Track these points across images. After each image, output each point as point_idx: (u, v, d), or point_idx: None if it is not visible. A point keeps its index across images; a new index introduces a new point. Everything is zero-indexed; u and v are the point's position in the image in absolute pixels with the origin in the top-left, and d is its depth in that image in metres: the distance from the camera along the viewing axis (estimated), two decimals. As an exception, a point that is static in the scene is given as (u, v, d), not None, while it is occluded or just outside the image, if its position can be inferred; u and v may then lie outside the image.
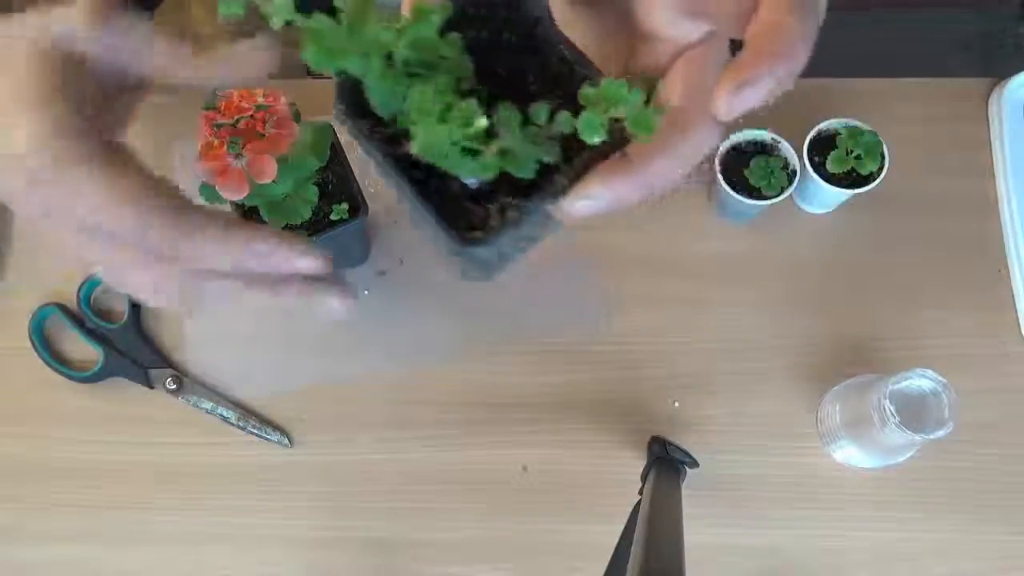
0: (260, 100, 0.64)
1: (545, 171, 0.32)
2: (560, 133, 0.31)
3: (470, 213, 0.33)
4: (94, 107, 0.35)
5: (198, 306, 0.36)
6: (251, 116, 0.63)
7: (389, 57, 0.30)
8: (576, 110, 0.32)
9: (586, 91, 0.31)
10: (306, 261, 0.35)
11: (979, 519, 0.78)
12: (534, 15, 0.35)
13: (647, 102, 0.30)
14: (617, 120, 0.30)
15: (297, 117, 0.66)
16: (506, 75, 0.35)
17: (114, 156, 0.34)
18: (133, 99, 0.38)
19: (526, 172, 0.31)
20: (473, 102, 0.30)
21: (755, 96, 0.30)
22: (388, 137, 0.33)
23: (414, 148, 0.30)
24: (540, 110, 0.32)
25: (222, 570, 0.79)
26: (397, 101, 0.31)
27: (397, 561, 0.79)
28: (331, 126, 0.71)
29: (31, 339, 0.82)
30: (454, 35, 0.31)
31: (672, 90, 0.34)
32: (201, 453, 0.81)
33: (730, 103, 0.30)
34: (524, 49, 0.35)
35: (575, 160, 0.32)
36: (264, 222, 0.58)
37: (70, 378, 0.82)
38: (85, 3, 0.34)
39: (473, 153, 0.30)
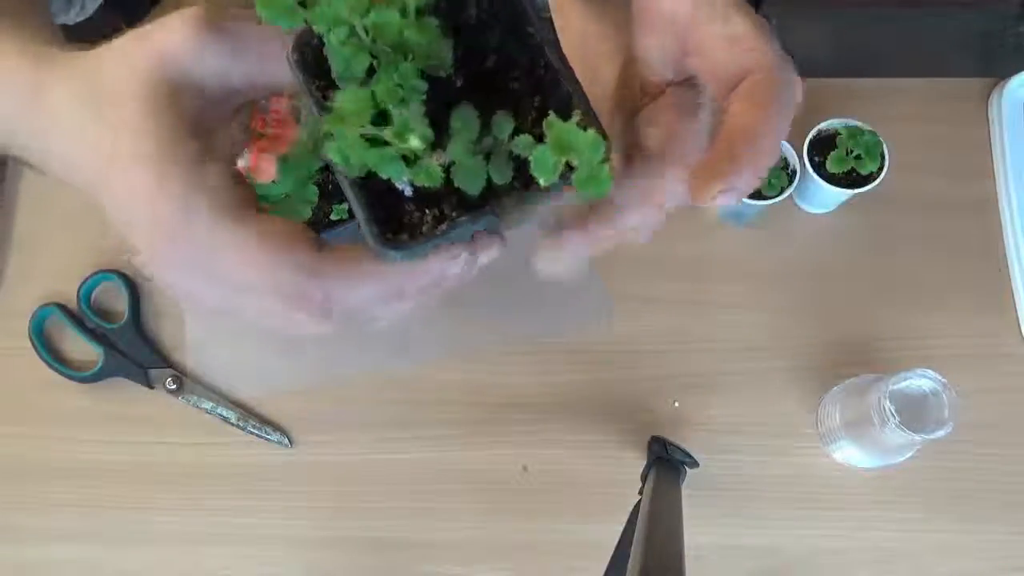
0: (260, 100, 0.64)
1: (491, 189, 0.30)
2: (516, 154, 0.30)
3: (404, 213, 0.32)
4: (216, 139, 0.33)
5: (371, 327, 0.34)
6: (252, 116, 0.63)
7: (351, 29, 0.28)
8: (541, 132, 0.30)
9: (551, 122, 0.29)
10: (475, 259, 0.33)
11: (979, 519, 0.78)
12: (533, 6, 0.33)
13: (603, 160, 0.28)
14: (569, 167, 0.28)
15: (297, 117, 0.66)
16: (491, 64, 0.33)
17: (248, 200, 0.32)
18: (242, 114, 0.36)
19: (471, 188, 0.30)
20: (410, 114, 0.28)
21: (731, 199, 0.32)
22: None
23: (328, 151, 0.28)
24: (503, 123, 0.30)
25: (222, 570, 0.79)
26: (356, 71, 0.29)
27: (397, 561, 0.79)
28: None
29: (31, 339, 0.82)
30: (430, 20, 0.29)
31: (651, 133, 0.34)
32: (201, 453, 0.81)
33: (706, 202, 0.32)
34: (515, 41, 0.33)
35: (530, 194, 0.31)
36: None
37: (70, 378, 0.82)
38: (190, 17, 0.31)
39: (410, 160, 0.29)
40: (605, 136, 0.29)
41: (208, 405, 0.82)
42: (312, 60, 0.31)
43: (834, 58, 1.72)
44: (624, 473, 0.78)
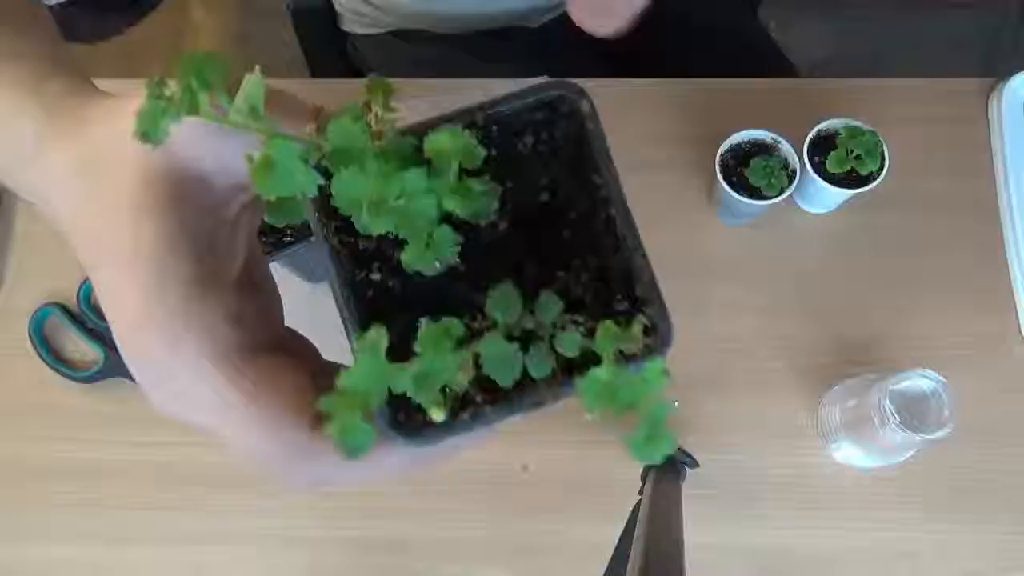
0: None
1: (524, 380, 0.26)
2: (557, 346, 0.26)
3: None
4: (218, 251, 0.29)
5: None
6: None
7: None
8: (597, 311, 0.27)
9: (608, 329, 0.25)
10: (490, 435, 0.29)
11: (979, 519, 0.78)
12: (604, 153, 0.29)
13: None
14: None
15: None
16: (542, 200, 0.29)
17: (243, 345, 0.28)
18: (248, 215, 0.31)
19: (502, 380, 0.26)
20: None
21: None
22: (355, 253, 0.28)
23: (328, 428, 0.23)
24: (549, 306, 0.27)
25: (222, 570, 0.79)
26: (382, 226, 0.25)
27: (397, 561, 0.79)
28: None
29: (31, 339, 0.82)
30: (476, 182, 0.26)
31: None
32: (201, 453, 0.81)
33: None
34: (575, 184, 0.29)
35: (568, 389, 0.27)
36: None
37: (70, 378, 0.82)
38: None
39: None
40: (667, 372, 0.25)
41: (208, 405, 0.81)
42: (330, 197, 0.27)
43: (834, 58, 1.72)
44: (624, 473, 0.78)
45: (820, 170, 0.80)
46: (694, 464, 0.76)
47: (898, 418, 0.66)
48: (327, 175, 0.25)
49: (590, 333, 0.26)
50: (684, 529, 0.61)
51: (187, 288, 0.27)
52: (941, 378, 0.67)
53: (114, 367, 0.82)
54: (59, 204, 0.29)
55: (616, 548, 0.65)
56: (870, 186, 0.79)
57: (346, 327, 0.28)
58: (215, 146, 0.27)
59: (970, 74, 0.91)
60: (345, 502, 0.80)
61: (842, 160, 0.79)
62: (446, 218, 0.26)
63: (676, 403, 0.81)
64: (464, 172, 0.26)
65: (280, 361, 0.29)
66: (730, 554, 0.78)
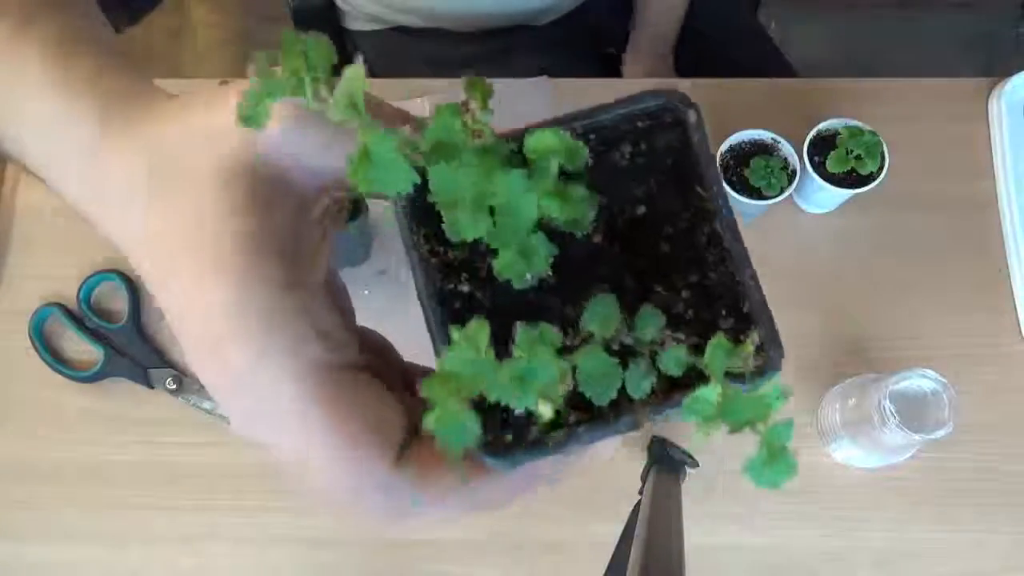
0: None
1: (619, 399, 0.25)
2: (658, 362, 0.25)
3: (510, 410, 0.25)
4: (302, 257, 0.26)
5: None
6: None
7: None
8: (696, 327, 0.26)
9: (719, 345, 0.24)
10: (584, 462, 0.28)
11: (979, 519, 0.78)
12: (710, 163, 0.28)
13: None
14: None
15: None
16: (639, 213, 0.28)
17: (331, 362, 0.26)
18: (329, 220, 0.29)
19: (599, 398, 0.25)
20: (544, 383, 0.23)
21: None
22: (445, 263, 0.27)
23: (425, 421, 0.22)
24: (649, 321, 0.25)
25: (222, 570, 0.79)
26: (476, 231, 0.24)
27: (397, 561, 0.79)
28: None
29: (31, 339, 0.82)
30: (577, 187, 0.24)
31: None
32: (201, 453, 0.81)
33: None
34: (676, 197, 0.28)
35: (670, 407, 0.26)
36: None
37: (70, 378, 0.82)
38: (288, 101, 0.24)
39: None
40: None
41: (208, 405, 0.82)
42: (421, 205, 0.26)
43: (834, 58, 1.72)
44: (624, 473, 0.78)
45: (820, 170, 0.80)
46: (694, 464, 0.76)
47: (898, 418, 0.66)
48: (422, 178, 0.23)
49: (693, 351, 0.25)
50: (684, 529, 0.61)
51: (274, 295, 0.25)
52: (941, 378, 0.67)
53: (114, 367, 0.82)
54: (122, 216, 0.27)
55: (616, 548, 0.65)
56: (870, 186, 0.79)
57: (433, 338, 0.26)
58: (298, 143, 0.26)
59: (970, 74, 0.91)
60: (345, 502, 0.80)
61: (842, 160, 0.79)
62: (541, 227, 0.25)
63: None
64: (564, 176, 0.25)
65: (365, 382, 0.27)
66: (730, 554, 0.78)
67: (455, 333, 0.23)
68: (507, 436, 0.25)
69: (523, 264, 0.25)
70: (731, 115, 0.84)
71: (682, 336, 0.26)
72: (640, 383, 0.25)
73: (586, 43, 1.10)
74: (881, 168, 0.79)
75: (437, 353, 0.26)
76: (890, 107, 0.88)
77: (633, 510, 0.68)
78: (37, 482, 0.81)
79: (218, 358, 0.25)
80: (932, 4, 1.76)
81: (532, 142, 0.24)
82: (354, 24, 1.10)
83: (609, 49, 1.14)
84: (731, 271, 0.27)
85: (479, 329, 0.23)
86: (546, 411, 0.23)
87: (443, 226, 0.24)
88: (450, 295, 0.26)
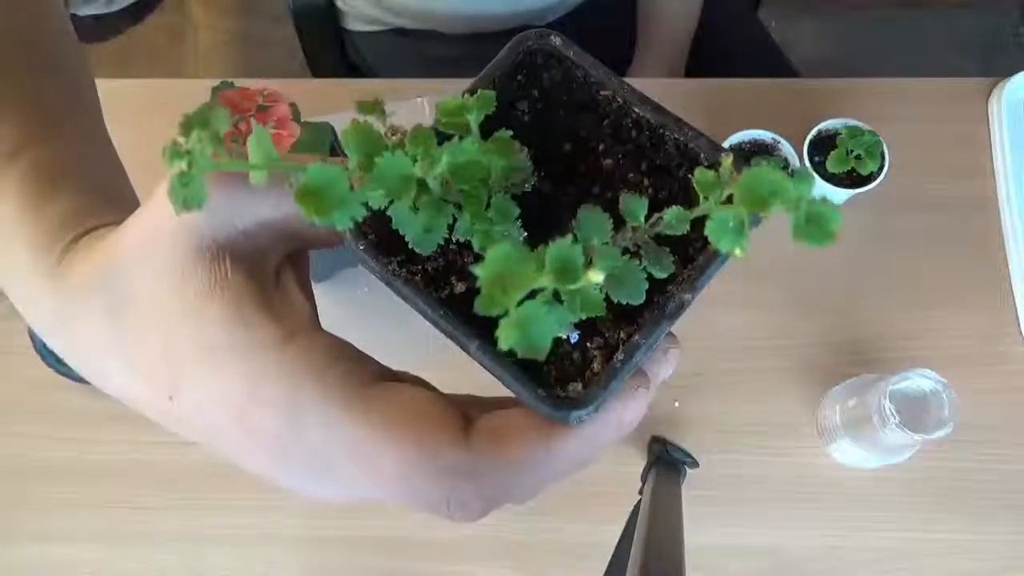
0: (260, 100, 0.64)
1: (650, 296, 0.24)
2: (665, 233, 0.24)
3: (562, 358, 0.25)
4: (291, 303, 0.27)
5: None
6: (251, 116, 0.63)
7: (420, 184, 0.23)
8: (675, 193, 0.26)
9: (703, 177, 0.23)
10: (655, 385, 0.27)
11: (979, 519, 0.78)
12: (593, 77, 0.28)
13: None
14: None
15: (297, 117, 0.66)
16: (569, 149, 0.28)
17: (361, 373, 0.26)
18: (301, 257, 0.29)
19: (635, 297, 0.24)
20: (570, 242, 0.21)
21: None
22: (429, 277, 0.26)
23: (504, 339, 0.19)
24: (634, 207, 0.25)
25: (222, 570, 0.79)
26: (437, 232, 0.24)
27: (397, 561, 0.79)
28: (331, 126, 0.71)
29: (31, 339, 0.82)
30: (502, 133, 0.25)
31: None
32: (200, 453, 0.81)
33: None
34: (588, 114, 0.28)
35: (691, 265, 0.25)
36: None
37: (70, 378, 0.82)
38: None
39: (560, 298, 0.21)
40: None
41: (208, 405, 0.81)
42: (382, 237, 0.25)
43: (834, 58, 1.72)
44: (624, 473, 0.78)
45: (820, 170, 0.80)
46: (694, 464, 0.76)
47: (898, 418, 0.66)
48: (370, 213, 0.23)
49: (684, 205, 0.25)
50: (684, 529, 0.61)
51: (280, 347, 0.25)
52: (941, 378, 0.67)
53: (114, 367, 0.82)
54: (100, 373, 0.28)
55: (616, 548, 0.65)
56: (870, 186, 0.79)
57: (460, 343, 0.26)
58: (227, 208, 0.25)
59: (970, 74, 0.91)
60: (345, 502, 0.80)
61: (842, 160, 0.79)
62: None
63: (676, 403, 0.81)
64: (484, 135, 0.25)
65: (397, 385, 0.26)
66: (730, 554, 0.78)
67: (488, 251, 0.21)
68: (576, 386, 0.24)
69: (500, 221, 0.24)
70: (731, 115, 0.84)
71: (664, 210, 0.26)
72: (661, 264, 0.25)
73: (588, 44, 1.10)
74: (881, 168, 0.79)
75: (466, 351, 0.26)
76: (890, 107, 0.88)
77: (633, 510, 0.68)
78: (37, 482, 0.81)
79: (255, 432, 0.25)
80: (932, 4, 1.76)
81: (442, 108, 0.24)
82: (354, 25, 1.10)
83: (613, 51, 1.14)
84: (672, 137, 0.27)
85: (506, 209, 0.23)
86: (597, 276, 0.21)
87: (409, 245, 0.24)
88: (449, 300, 0.26)
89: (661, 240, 0.25)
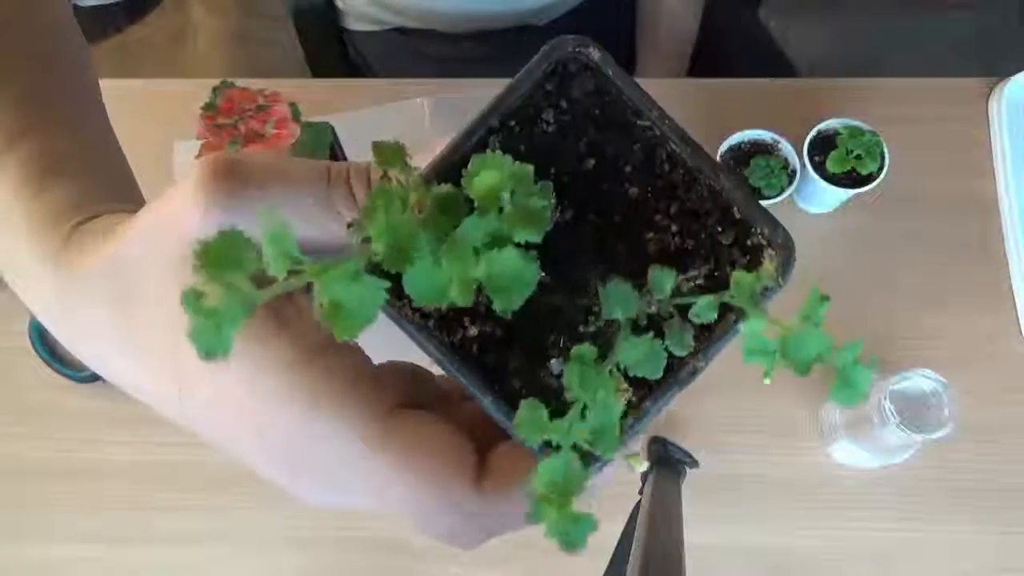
0: (260, 100, 0.64)
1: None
2: (687, 307, 0.24)
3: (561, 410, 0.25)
4: (303, 322, 0.26)
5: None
6: (251, 116, 0.63)
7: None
8: (702, 245, 0.25)
9: (742, 283, 0.23)
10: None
11: (979, 519, 0.78)
12: (630, 100, 0.27)
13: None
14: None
15: (297, 117, 0.66)
16: (590, 167, 0.27)
17: (376, 397, 0.26)
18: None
19: (653, 373, 0.25)
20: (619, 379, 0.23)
21: None
22: (441, 319, 0.26)
23: (553, 536, 0.22)
24: (662, 280, 0.25)
25: (222, 570, 0.79)
26: (441, 294, 0.23)
27: (396, 561, 0.79)
28: (331, 126, 0.71)
29: (31, 339, 0.82)
30: (537, 193, 0.23)
31: None
32: (201, 453, 0.81)
33: None
34: (618, 138, 0.27)
35: (706, 335, 0.25)
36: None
37: (70, 378, 0.82)
38: (202, 183, 0.25)
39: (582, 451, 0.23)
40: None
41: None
42: (393, 277, 0.24)
43: (834, 58, 1.72)
44: (624, 473, 0.78)
45: (820, 170, 0.80)
46: (694, 464, 0.76)
47: (898, 418, 0.66)
48: (382, 271, 0.22)
49: (709, 280, 0.25)
50: (684, 529, 0.61)
51: (298, 369, 0.25)
52: (941, 378, 0.67)
53: (114, 367, 0.82)
54: (100, 358, 0.27)
55: (616, 548, 0.65)
56: (870, 186, 0.79)
57: (475, 395, 0.26)
58: (247, 215, 0.25)
59: (970, 74, 0.91)
60: (345, 502, 0.80)
61: (842, 160, 0.79)
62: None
63: (676, 403, 0.81)
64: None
65: (421, 418, 0.26)
66: (730, 554, 0.78)
67: (520, 431, 0.23)
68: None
69: (517, 291, 0.23)
70: (731, 115, 0.84)
71: (695, 273, 0.26)
72: (681, 342, 0.25)
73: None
74: (881, 168, 0.79)
75: (484, 406, 0.26)
76: (890, 107, 0.88)
77: (633, 510, 0.68)
78: (37, 482, 0.81)
79: (269, 442, 0.25)
80: (932, 4, 1.75)
81: (477, 187, 0.23)
82: (354, 24, 1.10)
83: (613, 51, 1.14)
84: (706, 183, 0.27)
85: (536, 409, 0.22)
86: (639, 466, 0.24)
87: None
88: (463, 344, 0.26)
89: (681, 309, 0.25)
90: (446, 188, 0.23)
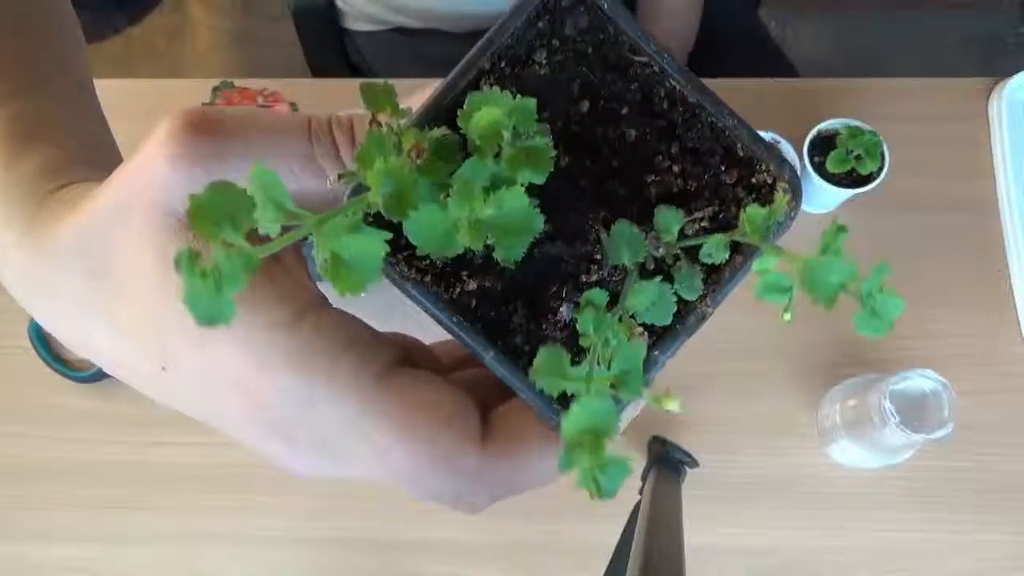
0: (260, 100, 0.64)
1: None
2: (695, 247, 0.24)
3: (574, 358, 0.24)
4: (291, 280, 0.25)
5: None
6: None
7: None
8: (706, 186, 0.24)
9: (754, 217, 0.23)
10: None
11: (979, 519, 0.78)
12: (628, 36, 0.26)
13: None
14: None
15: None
16: (585, 109, 0.26)
17: (373, 359, 0.25)
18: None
19: (663, 319, 0.24)
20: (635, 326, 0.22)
21: None
22: (438, 274, 0.25)
23: (585, 485, 0.22)
24: (669, 220, 0.24)
25: (222, 570, 0.79)
26: (447, 239, 0.22)
27: (395, 561, 0.78)
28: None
29: (31, 339, 0.82)
30: (540, 142, 0.22)
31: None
32: (201, 453, 0.81)
33: None
34: (614, 77, 0.26)
35: (714, 278, 0.25)
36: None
37: (70, 378, 0.82)
38: (168, 141, 0.23)
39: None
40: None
41: (208, 405, 0.81)
42: (384, 228, 0.22)
43: (834, 58, 1.72)
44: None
45: (820, 170, 0.80)
46: (694, 464, 0.76)
47: (898, 418, 0.66)
48: (381, 220, 0.21)
49: (713, 221, 0.24)
50: (684, 529, 0.61)
51: (288, 329, 0.24)
52: (941, 378, 0.67)
53: (114, 367, 0.82)
54: (78, 329, 0.26)
55: (616, 548, 0.65)
56: (870, 186, 0.79)
57: (476, 352, 0.25)
58: (200, 178, 0.24)
59: (970, 74, 0.90)
60: (344, 503, 0.80)
61: (842, 160, 0.79)
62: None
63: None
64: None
65: (420, 377, 0.25)
66: (730, 554, 0.78)
67: (539, 377, 0.22)
68: None
69: (524, 236, 0.22)
70: (731, 115, 0.84)
71: (700, 214, 0.25)
72: (692, 284, 0.24)
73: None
74: (881, 168, 0.79)
75: (481, 360, 0.25)
76: (890, 107, 0.88)
77: (633, 510, 0.68)
78: (37, 482, 0.81)
79: (263, 412, 0.24)
80: (932, 4, 1.75)
81: (477, 123, 0.22)
82: (354, 24, 1.10)
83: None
84: (708, 120, 0.26)
85: (556, 355, 0.22)
86: (673, 405, 0.22)
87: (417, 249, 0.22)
88: (461, 299, 0.25)
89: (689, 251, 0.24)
90: (441, 130, 0.22)
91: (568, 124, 0.26)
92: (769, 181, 0.25)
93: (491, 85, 0.25)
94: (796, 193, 0.25)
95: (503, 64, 0.25)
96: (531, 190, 0.21)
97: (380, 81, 0.23)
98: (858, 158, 0.79)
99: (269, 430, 0.24)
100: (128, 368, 0.26)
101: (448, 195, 0.21)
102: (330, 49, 1.14)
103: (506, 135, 0.21)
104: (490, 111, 0.21)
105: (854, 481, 0.79)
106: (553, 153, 0.23)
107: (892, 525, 0.78)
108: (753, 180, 0.26)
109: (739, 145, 0.26)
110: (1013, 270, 0.83)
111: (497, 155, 0.21)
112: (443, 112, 0.24)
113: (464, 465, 0.25)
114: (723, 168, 0.26)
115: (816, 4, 1.76)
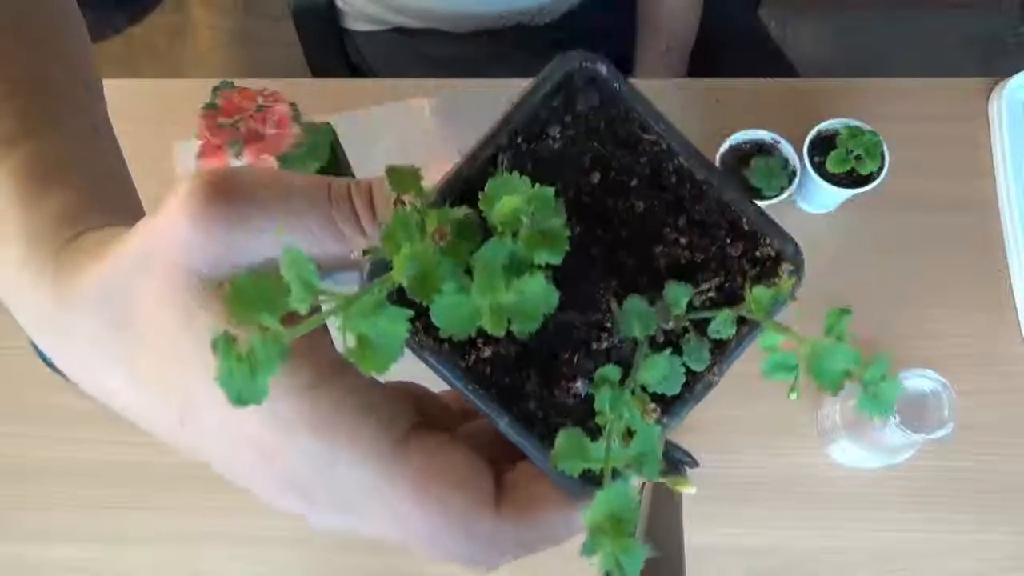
0: (260, 101, 0.64)
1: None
2: (702, 320, 0.25)
3: (589, 437, 0.25)
4: (311, 339, 0.24)
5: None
6: (251, 116, 0.63)
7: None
8: (713, 258, 0.26)
9: (759, 298, 0.24)
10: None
11: (979, 519, 0.78)
12: (637, 114, 0.27)
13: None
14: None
15: (297, 117, 0.66)
16: (596, 180, 0.27)
17: (393, 421, 0.25)
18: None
19: (672, 389, 0.25)
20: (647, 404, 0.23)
21: None
22: (454, 342, 0.26)
23: (606, 566, 0.22)
24: (678, 295, 0.25)
25: (221, 570, 0.79)
26: (470, 322, 0.23)
27: (397, 561, 0.78)
28: (331, 126, 0.71)
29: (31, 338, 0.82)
30: (556, 225, 0.23)
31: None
32: (201, 453, 0.81)
33: None
34: (624, 152, 0.27)
35: (721, 348, 0.26)
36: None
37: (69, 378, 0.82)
38: (188, 202, 0.23)
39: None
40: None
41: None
42: (404, 300, 0.22)
43: (834, 58, 1.72)
44: (624, 473, 0.78)
45: (820, 170, 0.80)
46: (694, 464, 0.76)
47: (898, 418, 0.66)
48: (402, 295, 0.21)
49: (720, 292, 0.25)
50: (684, 529, 0.61)
51: (308, 396, 0.24)
52: (941, 378, 0.67)
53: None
54: (96, 376, 0.27)
55: (616, 548, 0.65)
56: (870, 186, 0.79)
57: (491, 418, 0.26)
58: (239, 242, 0.24)
59: (970, 74, 0.91)
60: (345, 502, 0.80)
61: (842, 160, 0.79)
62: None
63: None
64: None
65: (431, 440, 0.26)
66: (729, 554, 0.78)
67: (557, 462, 0.23)
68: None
69: (540, 314, 0.23)
70: (731, 115, 0.84)
71: (707, 286, 0.26)
72: (700, 357, 0.26)
73: (587, 43, 1.10)
74: (881, 168, 0.79)
75: (496, 426, 0.26)
76: (890, 107, 0.88)
77: (633, 510, 0.68)
78: (37, 482, 0.81)
79: (282, 470, 0.25)
80: (932, 4, 1.75)
81: (499, 210, 0.22)
82: (354, 24, 1.10)
83: (612, 50, 1.14)
84: (715, 196, 0.27)
85: (575, 438, 0.23)
86: (688, 489, 0.25)
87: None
88: (477, 366, 0.26)
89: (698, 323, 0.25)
90: (462, 211, 0.23)
91: (579, 194, 0.27)
92: (772, 255, 0.27)
93: (508, 161, 0.26)
94: (799, 270, 0.27)
95: (520, 139, 0.26)
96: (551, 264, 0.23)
97: (407, 166, 0.23)
98: (858, 158, 0.79)
99: (286, 486, 0.25)
100: (146, 418, 0.27)
101: (469, 271, 0.22)
102: (330, 49, 1.14)
103: (524, 220, 0.22)
104: (511, 200, 0.22)
105: (854, 481, 0.79)
106: (568, 234, 0.24)
107: (892, 525, 0.78)
108: (758, 253, 0.27)
109: (744, 219, 0.27)
110: (1013, 270, 0.83)
111: (515, 233, 0.22)
112: (463, 188, 0.25)
113: (479, 530, 0.26)
114: (729, 241, 0.27)
115: (816, 4, 1.76)
